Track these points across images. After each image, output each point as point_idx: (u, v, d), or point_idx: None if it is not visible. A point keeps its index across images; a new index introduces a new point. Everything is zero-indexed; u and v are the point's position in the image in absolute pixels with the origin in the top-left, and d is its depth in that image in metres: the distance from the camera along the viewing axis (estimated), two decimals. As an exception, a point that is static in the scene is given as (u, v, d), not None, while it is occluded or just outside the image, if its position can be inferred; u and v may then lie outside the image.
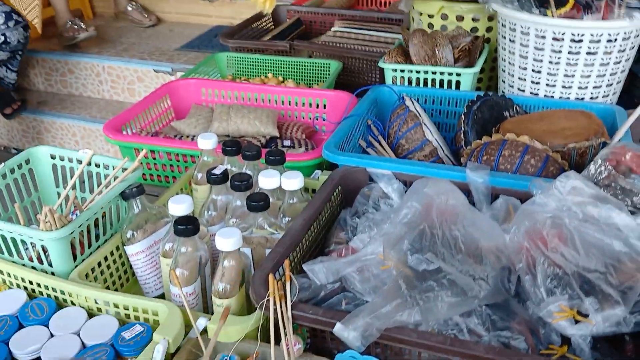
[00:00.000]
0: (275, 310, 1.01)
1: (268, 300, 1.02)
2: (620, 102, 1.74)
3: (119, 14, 3.72)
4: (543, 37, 1.60)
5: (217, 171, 1.30)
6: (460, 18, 1.95)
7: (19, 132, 3.24)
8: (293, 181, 1.27)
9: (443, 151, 1.56)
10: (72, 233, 1.20)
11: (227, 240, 1.09)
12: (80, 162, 1.42)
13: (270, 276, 1.03)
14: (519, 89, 1.73)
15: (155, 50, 3.26)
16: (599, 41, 1.56)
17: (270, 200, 1.25)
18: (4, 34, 2.74)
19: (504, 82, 1.79)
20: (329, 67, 2.16)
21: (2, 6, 2.76)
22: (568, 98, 1.67)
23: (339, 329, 0.96)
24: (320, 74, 2.19)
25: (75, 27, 3.26)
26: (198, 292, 1.18)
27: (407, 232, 1.05)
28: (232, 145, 1.39)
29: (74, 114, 3.11)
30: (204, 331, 1.07)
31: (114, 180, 1.34)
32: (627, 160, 1.24)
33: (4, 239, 1.23)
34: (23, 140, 3.25)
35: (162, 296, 1.28)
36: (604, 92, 1.66)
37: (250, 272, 1.18)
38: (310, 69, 2.20)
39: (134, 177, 1.32)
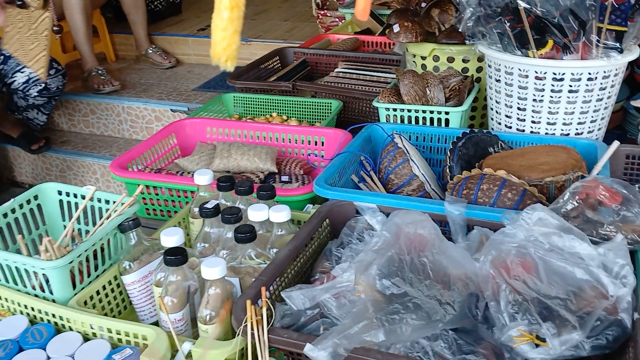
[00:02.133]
0: (252, 334, 1.08)
1: (247, 325, 1.09)
2: (613, 137, 1.79)
3: (140, 56, 3.87)
4: (526, 76, 1.66)
5: (209, 205, 1.38)
6: (451, 59, 2.02)
7: (42, 171, 3.36)
8: (280, 214, 1.35)
9: (430, 186, 1.62)
10: (71, 262, 1.29)
11: (212, 269, 1.17)
12: (84, 197, 1.51)
13: (248, 302, 1.10)
14: (506, 125, 1.79)
15: (173, 91, 3.39)
16: (579, 79, 1.62)
17: (260, 232, 1.33)
18: (45, 82, 2.87)
19: (492, 119, 1.86)
20: (330, 106, 2.25)
21: None
22: (553, 134, 1.72)
23: (308, 349, 1.03)
24: (322, 112, 2.27)
25: (102, 77, 3.41)
26: (187, 318, 1.25)
27: (377, 258, 1.12)
28: (226, 181, 1.47)
29: (94, 152, 3.23)
30: (189, 355, 1.14)
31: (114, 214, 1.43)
32: (597, 193, 1.29)
33: (10, 268, 1.32)
34: (47, 178, 3.36)
35: (156, 323, 1.35)
36: (589, 127, 1.72)
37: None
38: (312, 108, 2.29)
39: (131, 211, 1.40)
